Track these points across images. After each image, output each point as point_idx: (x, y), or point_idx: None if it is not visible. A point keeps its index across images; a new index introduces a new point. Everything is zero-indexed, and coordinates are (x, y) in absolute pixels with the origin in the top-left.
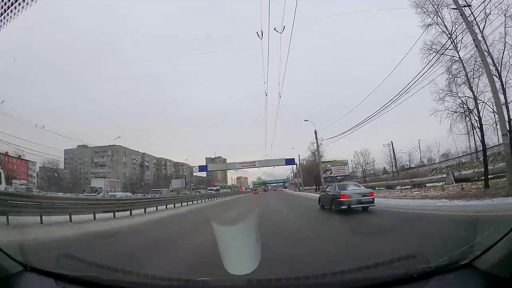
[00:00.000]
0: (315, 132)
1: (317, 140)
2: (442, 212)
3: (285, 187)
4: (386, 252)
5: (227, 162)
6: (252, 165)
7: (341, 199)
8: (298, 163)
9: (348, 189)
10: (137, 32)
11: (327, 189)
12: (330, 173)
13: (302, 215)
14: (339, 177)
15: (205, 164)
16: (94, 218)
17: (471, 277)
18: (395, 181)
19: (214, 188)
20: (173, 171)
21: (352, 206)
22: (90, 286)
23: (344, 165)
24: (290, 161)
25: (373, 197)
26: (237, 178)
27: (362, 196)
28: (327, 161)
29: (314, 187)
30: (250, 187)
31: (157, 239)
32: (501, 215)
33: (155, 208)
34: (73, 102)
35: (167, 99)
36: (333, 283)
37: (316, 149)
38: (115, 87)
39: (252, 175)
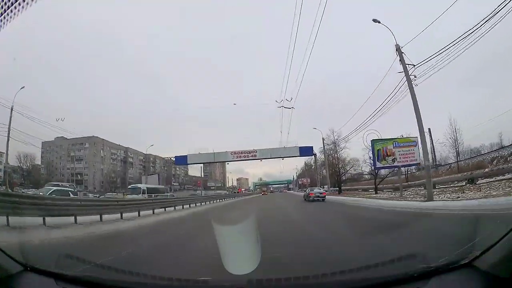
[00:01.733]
0: (397, 46)
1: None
2: None
3: (289, 189)
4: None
5: (216, 152)
6: (252, 155)
7: (309, 195)
8: (323, 147)
9: (314, 190)
10: (137, 31)
11: (306, 190)
12: (393, 160)
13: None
14: (402, 168)
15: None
16: None
17: (471, 277)
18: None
19: (136, 188)
20: (164, 169)
21: (315, 199)
22: (90, 286)
23: (414, 145)
24: (306, 151)
25: (324, 195)
26: (237, 179)
27: (320, 194)
28: (385, 139)
29: (337, 188)
30: (251, 188)
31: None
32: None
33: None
34: (72, 100)
35: (167, 99)
36: (333, 283)
37: (332, 144)
38: (114, 87)
39: (254, 176)
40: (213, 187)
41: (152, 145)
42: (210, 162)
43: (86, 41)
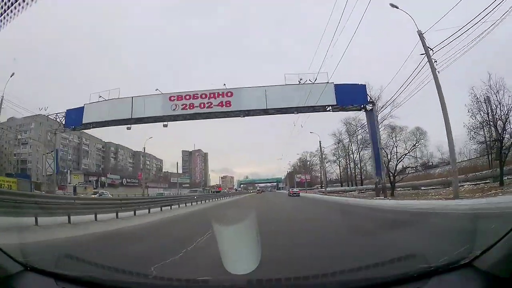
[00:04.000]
0: None
1: None
2: None
3: (279, 188)
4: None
5: (139, 96)
6: (222, 104)
7: (290, 192)
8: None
9: (293, 189)
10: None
11: (289, 189)
12: None
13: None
14: None
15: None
16: None
17: (471, 277)
18: None
19: None
20: (130, 162)
21: (293, 195)
22: (90, 286)
23: None
24: (351, 95)
25: (299, 193)
26: (221, 177)
27: (296, 192)
28: None
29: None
30: (235, 187)
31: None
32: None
33: None
34: (70, 100)
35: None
36: (333, 283)
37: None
38: (115, 86)
39: (240, 176)
40: (186, 185)
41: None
42: (121, 122)
43: (86, 41)
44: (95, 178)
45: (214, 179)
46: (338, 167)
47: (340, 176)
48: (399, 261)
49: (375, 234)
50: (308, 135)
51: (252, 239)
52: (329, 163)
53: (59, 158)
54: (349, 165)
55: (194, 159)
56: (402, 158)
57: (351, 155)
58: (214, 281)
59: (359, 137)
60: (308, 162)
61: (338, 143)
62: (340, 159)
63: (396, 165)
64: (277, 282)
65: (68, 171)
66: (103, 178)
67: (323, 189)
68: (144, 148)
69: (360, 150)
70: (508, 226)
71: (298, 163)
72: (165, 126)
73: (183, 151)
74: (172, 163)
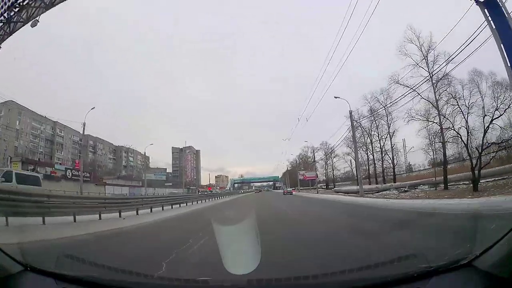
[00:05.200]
0: None
1: None
2: None
3: (276, 187)
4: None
5: None
6: None
7: (284, 192)
8: None
9: (288, 189)
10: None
11: (284, 189)
12: None
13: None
14: None
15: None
16: None
17: (471, 277)
18: None
19: None
20: (111, 158)
21: (287, 194)
22: (90, 286)
23: None
24: None
25: (293, 192)
26: (216, 176)
27: (290, 191)
28: None
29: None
30: (228, 187)
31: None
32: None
33: None
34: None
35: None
36: (333, 283)
37: None
38: (118, 86)
39: (235, 175)
40: (169, 184)
41: None
42: None
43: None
44: (31, 167)
45: (207, 178)
46: (352, 160)
47: (357, 172)
48: (399, 261)
49: None
50: (310, 129)
51: (252, 239)
52: (337, 157)
53: None
54: (372, 155)
55: (185, 157)
56: (487, 128)
57: (381, 142)
58: (214, 281)
59: (409, 104)
60: (309, 159)
61: (351, 131)
62: (358, 148)
63: (483, 137)
64: (277, 282)
65: (9, 157)
66: (48, 168)
67: (347, 188)
68: (84, 124)
69: (392, 135)
70: (508, 226)
71: (298, 160)
72: (33, 25)
73: (173, 148)
74: (166, 162)
